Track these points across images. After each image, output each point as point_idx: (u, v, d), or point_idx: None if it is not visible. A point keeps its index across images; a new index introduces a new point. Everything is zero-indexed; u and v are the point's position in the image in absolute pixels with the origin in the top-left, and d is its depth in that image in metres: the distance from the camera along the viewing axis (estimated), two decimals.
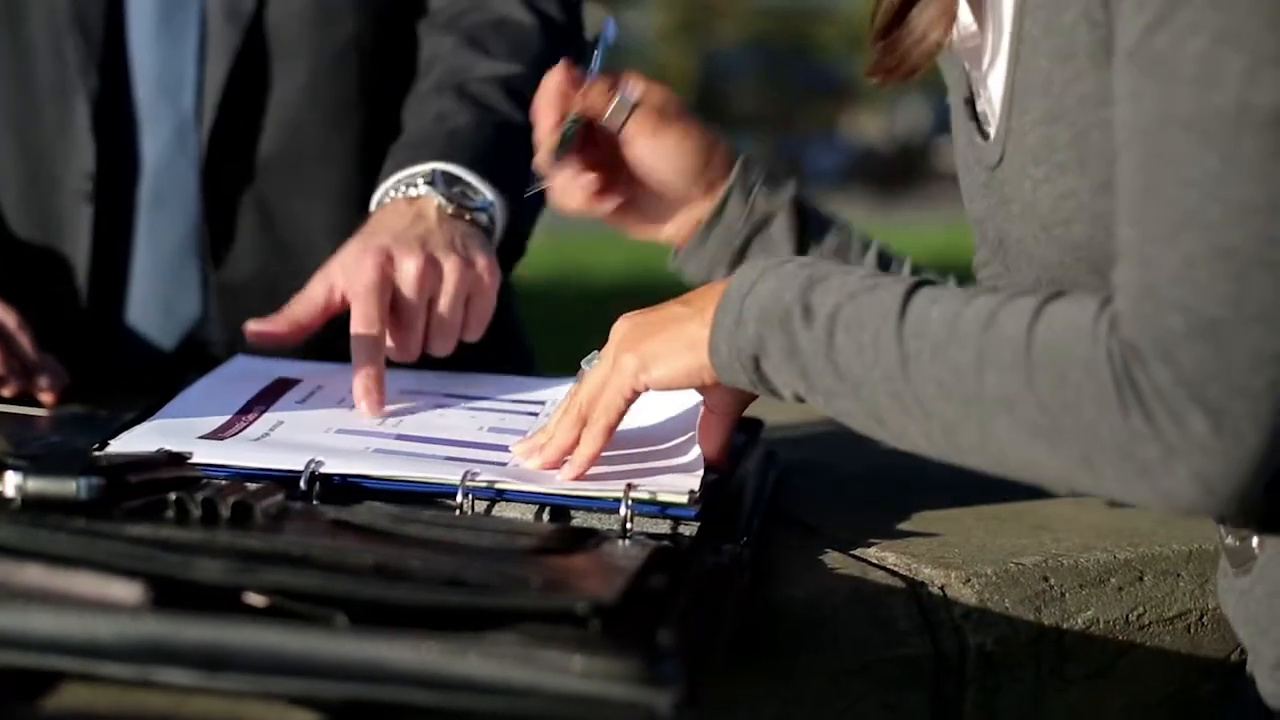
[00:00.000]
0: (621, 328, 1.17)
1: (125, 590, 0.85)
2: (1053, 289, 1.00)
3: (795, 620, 1.07)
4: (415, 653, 0.81)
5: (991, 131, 1.17)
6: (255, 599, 0.87)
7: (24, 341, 1.57)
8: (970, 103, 1.22)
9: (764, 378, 1.09)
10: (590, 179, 1.31)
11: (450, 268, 1.41)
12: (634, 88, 1.29)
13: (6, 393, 1.55)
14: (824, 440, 1.42)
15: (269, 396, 1.33)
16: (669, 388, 1.16)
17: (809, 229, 1.34)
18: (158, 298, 1.77)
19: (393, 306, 1.39)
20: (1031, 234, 1.11)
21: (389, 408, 1.32)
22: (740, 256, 1.32)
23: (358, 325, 1.37)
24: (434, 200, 1.49)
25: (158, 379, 1.54)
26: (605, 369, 1.17)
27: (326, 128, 1.76)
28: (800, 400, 1.09)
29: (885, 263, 1.35)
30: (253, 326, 1.42)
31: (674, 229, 1.35)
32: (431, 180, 1.51)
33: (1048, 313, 0.97)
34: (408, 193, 1.51)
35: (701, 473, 1.16)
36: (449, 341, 1.41)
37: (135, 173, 1.76)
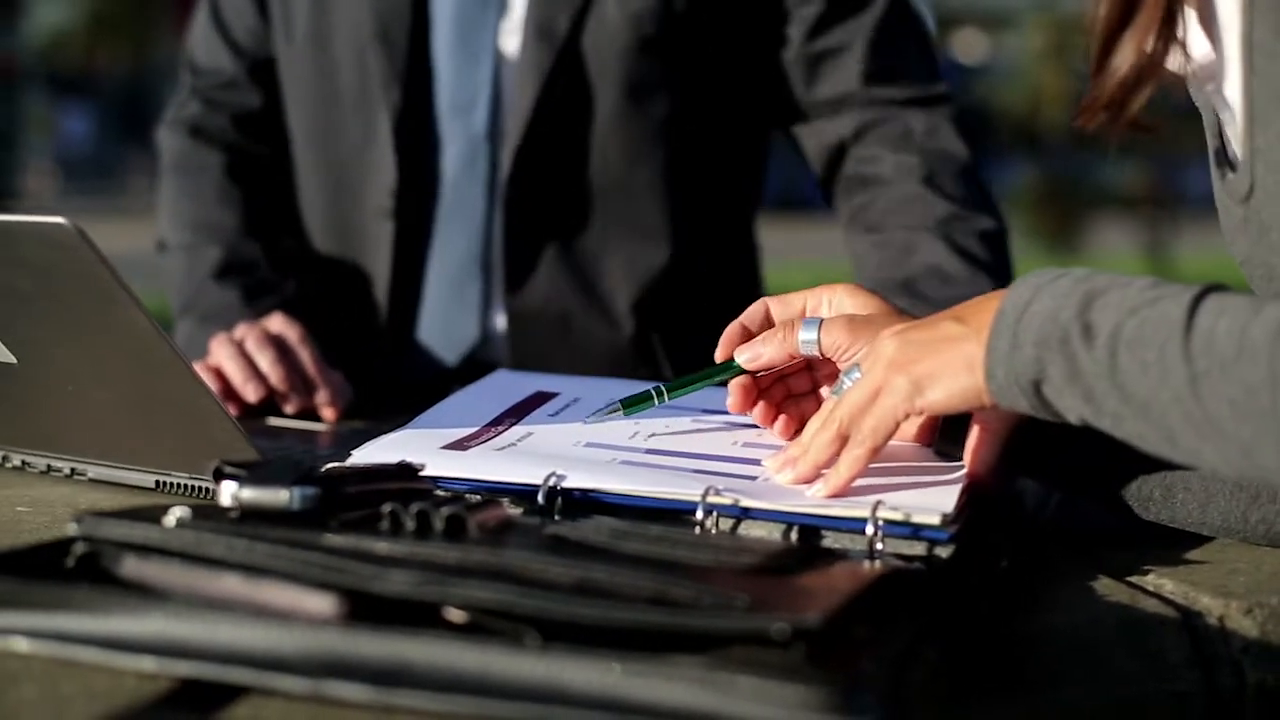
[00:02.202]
0: (889, 345, 1.09)
1: (319, 603, 0.83)
2: None
3: (1053, 651, 0.99)
4: (597, 673, 0.77)
5: (1239, 159, 1.07)
6: (455, 615, 0.84)
7: (305, 357, 1.57)
8: (1220, 140, 1.12)
9: (1045, 402, 1.01)
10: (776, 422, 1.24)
11: None
12: (811, 335, 1.20)
13: (289, 409, 1.56)
14: None
15: (524, 409, 1.30)
16: (945, 411, 1.09)
17: None
18: (441, 317, 1.77)
19: None
20: None
21: (642, 421, 1.26)
22: None
23: None
24: None
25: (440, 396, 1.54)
26: (871, 387, 1.09)
27: (628, 160, 1.73)
28: (1086, 425, 1.01)
29: None
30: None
31: None
32: None
33: None
34: None
35: (960, 492, 1.08)
36: None
37: (434, 191, 1.76)
